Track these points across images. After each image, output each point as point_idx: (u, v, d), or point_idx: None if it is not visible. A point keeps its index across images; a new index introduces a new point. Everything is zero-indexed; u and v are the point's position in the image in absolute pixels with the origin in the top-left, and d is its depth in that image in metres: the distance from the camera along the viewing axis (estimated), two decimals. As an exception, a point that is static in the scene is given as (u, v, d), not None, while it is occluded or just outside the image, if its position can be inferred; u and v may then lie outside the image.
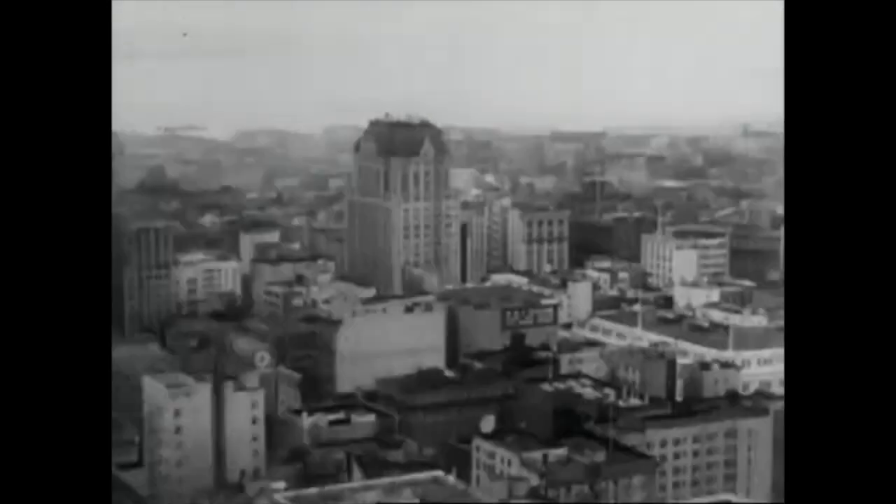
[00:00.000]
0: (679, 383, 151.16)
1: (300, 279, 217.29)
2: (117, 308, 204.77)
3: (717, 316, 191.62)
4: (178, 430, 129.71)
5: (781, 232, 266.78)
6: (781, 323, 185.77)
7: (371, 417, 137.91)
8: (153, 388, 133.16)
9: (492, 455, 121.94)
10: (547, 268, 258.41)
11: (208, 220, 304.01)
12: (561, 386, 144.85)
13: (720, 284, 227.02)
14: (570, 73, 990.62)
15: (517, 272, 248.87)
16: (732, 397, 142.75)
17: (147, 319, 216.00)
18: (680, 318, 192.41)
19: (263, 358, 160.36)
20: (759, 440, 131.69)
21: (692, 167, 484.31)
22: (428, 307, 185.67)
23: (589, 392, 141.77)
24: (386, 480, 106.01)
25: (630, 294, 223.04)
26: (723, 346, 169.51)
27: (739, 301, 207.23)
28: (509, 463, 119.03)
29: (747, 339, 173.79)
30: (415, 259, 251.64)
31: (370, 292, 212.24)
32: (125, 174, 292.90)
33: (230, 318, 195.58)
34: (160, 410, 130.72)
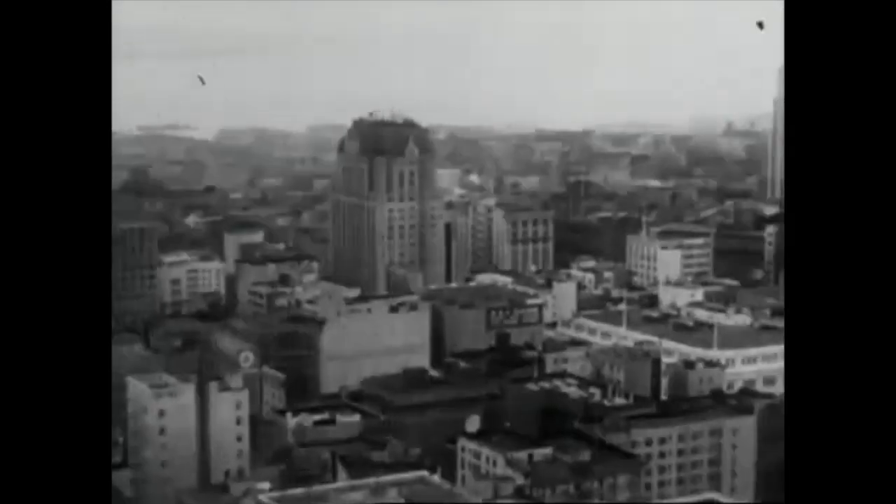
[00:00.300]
0: (664, 382, 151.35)
1: (284, 279, 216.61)
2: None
3: (701, 315, 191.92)
4: (162, 430, 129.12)
5: (765, 231, 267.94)
6: (765, 322, 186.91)
7: (356, 417, 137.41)
8: (137, 389, 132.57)
9: (477, 455, 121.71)
10: (532, 267, 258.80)
11: (192, 220, 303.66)
12: (546, 385, 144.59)
13: (704, 284, 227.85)
14: (553, 72, 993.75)
15: (502, 272, 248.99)
16: (717, 396, 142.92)
17: (131, 319, 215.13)
18: (665, 318, 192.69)
19: (248, 358, 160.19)
20: (744, 439, 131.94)
21: (677, 166, 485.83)
22: (413, 307, 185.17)
23: (574, 391, 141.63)
24: (371, 480, 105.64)
25: (615, 293, 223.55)
26: (707, 344, 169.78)
27: (724, 300, 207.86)
28: (495, 463, 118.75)
29: (732, 338, 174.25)
30: (399, 259, 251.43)
31: (355, 292, 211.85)
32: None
33: (214, 318, 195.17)
34: (144, 411, 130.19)
